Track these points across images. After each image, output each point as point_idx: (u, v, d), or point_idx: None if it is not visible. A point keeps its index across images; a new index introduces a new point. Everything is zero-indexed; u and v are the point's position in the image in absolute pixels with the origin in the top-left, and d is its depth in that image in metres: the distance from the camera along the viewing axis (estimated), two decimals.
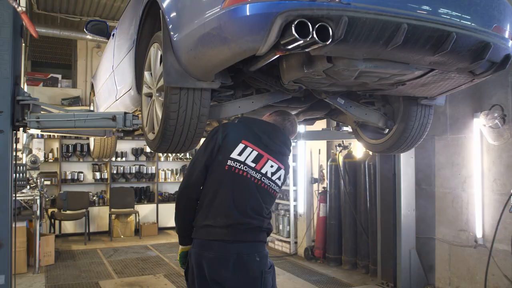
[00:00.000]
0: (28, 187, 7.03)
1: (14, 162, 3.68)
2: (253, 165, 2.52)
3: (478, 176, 4.99)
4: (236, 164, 2.50)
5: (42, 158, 9.40)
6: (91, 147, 5.87)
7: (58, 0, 8.19)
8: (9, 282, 3.59)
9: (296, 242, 7.64)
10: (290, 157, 7.46)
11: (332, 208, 6.84)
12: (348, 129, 4.23)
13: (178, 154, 11.08)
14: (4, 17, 3.45)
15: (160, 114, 2.65)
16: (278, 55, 2.15)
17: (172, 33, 2.38)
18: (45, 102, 9.19)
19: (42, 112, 3.69)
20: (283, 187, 7.86)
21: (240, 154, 2.53)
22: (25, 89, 7.61)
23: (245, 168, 2.51)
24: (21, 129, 4.20)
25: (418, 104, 3.17)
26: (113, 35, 4.26)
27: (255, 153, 2.55)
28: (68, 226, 9.47)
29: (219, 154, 2.53)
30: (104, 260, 7.33)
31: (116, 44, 3.99)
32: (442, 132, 5.42)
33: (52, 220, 8.91)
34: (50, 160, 9.61)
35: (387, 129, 3.51)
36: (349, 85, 2.74)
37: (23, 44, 7.05)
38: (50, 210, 9.00)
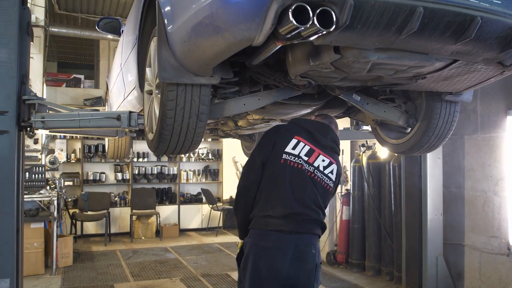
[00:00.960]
0: (48, 187, 7.02)
1: (21, 163, 3.60)
2: (306, 158, 2.66)
3: (511, 178, 4.65)
4: (291, 158, 2.64)
5: (64, 159, 9.44)
6: (106, 148, 5.79)
7: (79, 0, 8.18)
8: (16, 286, 3.50)
9: None
10: None
11: (355, 211, 6.56)
12: (368, 128, 3.97)
13: (201, 155, 10.97)
14: (10, 15, 3.36)
15: (158, 113, 2.47)
16: (278, 46, 1.94)
17: (167, 25, 2.20)
18: (68, 103, 9.27)
19: (50, 112, 3.60)
20: None
21: (294, 148, 2.67)
22: (45, 90, 7.65)
23: (300, 161, 2.64)
24: (36, 130, 4.14)
25: (442, 100, 2.90)
26: (122, 32, 4.14)
27: (307, 147, 2.70)
28: (90, 227, 9.46)
29: (274, 150, 2.67)
30: (122, 262, 7.25)
31: (123, 41, 3.85)
32: (472, 131, 5.07)
33: (74, 221, 8.90)
34: (72, 161, 9.64)
35: (409, 128, 3.25)
36: (362, 79, 2.50)
37: (44, 45, 7.05)
38: (71, 211, 9.00)
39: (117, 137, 4.96)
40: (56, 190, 6.80)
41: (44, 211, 6.41)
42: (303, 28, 1.60)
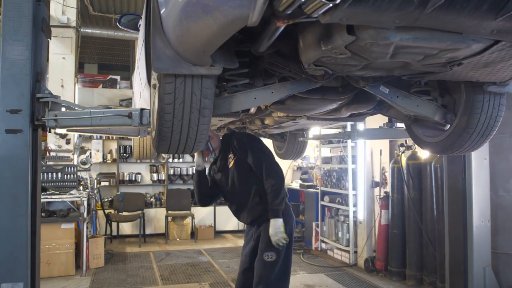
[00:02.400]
0: (81, 188, 7.02)
1: (37, 162, 3.49)
2: None
3: None
4: None
5: (100, 159, 9.49)
6: (133, 148, 5.68)
7: (111, 1, 8.18)
8: None
9: (356, 252, 6.99)
10: (350, 159, 6.85)
11: (394, 216, 6.14)
12: (403, 126, 3.61)
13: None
14: (24, 11, 3.25)
15: (156, 108, 2.25)
16: (280, 27, 1.68)
17: (160, 8, 1.97)
18: (105, 104, 9.32)
19: (65, 110, 3.48)
20: (342, 191, 7.25)
21: None
22: (77, 90, 7.69)
23: None
24: (54, 129, 4.04)
25: (485, 91, 2.52)
26: (139, 26, 3.98)
27: None
28: (126, 228, 9.45)
29: None
30: (154, 264, 7.14)
31: (139, 36, 3.69)
32: None
33: (109, 222, 8.90)
34: (108, 161, 9.68)
35: (448, 125, 2.88)
36: (387, 67, 2.17)
37: (76, 46, 7.05)
38: (107, 211, 9.02)
39: (139, 136, 4.81)
40: (87, 190, 6.78)
41: (75, 212, 6.38)
42: (303, 1, 1.33)
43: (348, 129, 6.35)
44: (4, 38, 3.23)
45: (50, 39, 3.92)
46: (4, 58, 3.24)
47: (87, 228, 6.36)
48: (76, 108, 3.51)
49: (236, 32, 1.66)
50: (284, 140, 5.96)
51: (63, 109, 3.59)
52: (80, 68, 11.46)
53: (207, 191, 3.68)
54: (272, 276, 3.34)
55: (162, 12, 1.93)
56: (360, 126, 6.67)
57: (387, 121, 4.31)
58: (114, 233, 9.18)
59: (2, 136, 3.22)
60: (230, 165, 3.57)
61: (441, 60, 1.98)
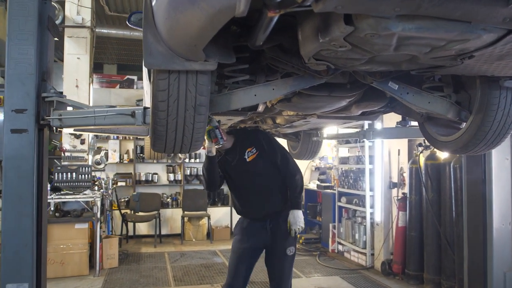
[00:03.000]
0: (96, 188, 7.02)
1: (43, 162, 3.46)
2: None
3: None
4: None
5: (117, 159, 9.51)
6: (144, 147, 5.63)
7: (127, 1, 8.18)
8: None
9: (372, 254, 6.82)
10: (367, 159, 6.68)
11: (412, 217, 5.95)
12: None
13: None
14: (29, 9, 3.21)
15: (151, 106, 2.17)
16: (273, 17, 1.58)
17: (151, 1, 1.88)
18: (122, 104, 9.34)
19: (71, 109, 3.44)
20: (359, 192, 7.09)
21: None
22: (91, 91, 7.70)
23: None
24: (61, 129, 4.01)
25: (501, 87, 2.37)
26: None
27: None
28: (142, 228, 9.45)
29: None
30: (168, 265, 7.10)
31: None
32: None
33: (125, 222, 8.90)
34: (125, 161, 9.69)
35: (463, 122, 2.73)
36: (393, 61, 2.04)
37: (91, 46, 7.06)
38: (123, 211, 9.02)
39: (148, 136, 4.75)
40: (101, 191, 6.77)
41: (88, 212, 6.38)
42: None
43: (365, 128, 6.22)
44: (9, 37, 3.20)
45: (58, 38, 3.90)
46: (10, 57, 3.21)
47: (100, 228, 6.35)
48: (81, 108, 3.47)
49: (225, 23, 1.57)
50: (299, 140, 5.85)
51: (70, 108, 3.54)
52: (99, 68, 11.54)
53: (216, 177, 3.55)
54: (291, 269, 3.57)
55: (153, 4, 1.85)
56: (378, 125, 6.53)
57: (401, 119, 4.15)
58: (131, 233, 9.18)
59: (7, 136, 3.19)
60: (250, 159, 3.48)
61: (450, 53, 1.84)
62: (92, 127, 3.46)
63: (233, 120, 3.96)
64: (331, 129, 5.55)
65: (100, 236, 6.38)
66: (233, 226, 10.05)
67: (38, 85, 3.27)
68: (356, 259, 7.21)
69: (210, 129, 3.26)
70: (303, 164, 10.70)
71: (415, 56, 1.93)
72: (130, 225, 9.12)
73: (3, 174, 3.27)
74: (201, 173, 3.49)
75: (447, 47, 1.75)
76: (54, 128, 3.50)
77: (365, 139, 5.54)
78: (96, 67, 10.18)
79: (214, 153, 3.43)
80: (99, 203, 6.19)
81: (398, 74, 2.42)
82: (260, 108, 3.54)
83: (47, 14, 3.36)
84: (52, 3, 3.60)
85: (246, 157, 3.49)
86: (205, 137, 3.26)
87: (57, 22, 6.62)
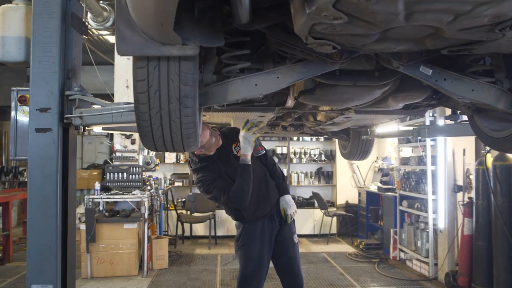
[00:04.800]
0: (148, 188, 7.03)
1: (70, 162, 3.39)
2: None
3: None
4: None
5: (174, 160, 9.54)
6: None
7: None
8: None
9: (436, 264, 6.20)
10: (429, 159, 6.10)
11: (479, 225, 5.31)
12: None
13: (313, 156, 10.28)
14: (52, 7, 3.15)
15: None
16: None
17: None
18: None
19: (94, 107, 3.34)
20: (421, 195, 6.51)
21: None
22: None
23: None
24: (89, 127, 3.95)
25: None
26: None
27: None
28: (199, 228, 9.39)
29: None
30: (218, 268, 6.94)
31: None
32: None
33: (181, 222, 8.88)
34: (181, 162, 9.70)
35: None
36: (413, 37, 1.67)
37: None
38: (179, 212, 9.02)
39: None
40: (151, 191, 6.76)
41: (137, 212, 6.36)
42: None
43: (426, 124, 5.67)
44: (34, 36, 3.16)
45: (86, 36, 3.82)
46: (34, 56, 3.17)
47: (148, 229, 6.31)
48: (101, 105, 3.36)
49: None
50: (349, 139, 5.44)
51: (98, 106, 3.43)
52: None
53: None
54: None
55: None
56: (440, 121, 5.93)
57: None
58: (188, 233, 9.16)
59: (32, 135, 3.16)
60: (239, 153, 3.25)
61: (482, 21, 1.44)
62: (112, 125, 3.34)
63: (266, 116, 3.68)
64: (389, 127, 5.08)
65: (149, 236, 6.35)
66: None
67: (62, 83, 3.20)
68: (418, 268, 6.62)
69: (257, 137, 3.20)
70: (365, 165, 10.16)
71: (438, 29, 1.55)
72: (187, 225, 9.09)
73: (28, 174, 3.23)
74: (227, 196, 3.10)
75: (476, 13, 1.36)
76: (82, 127, 3.44)
77: (425, 138, 5.01)
78: None
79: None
80: (146, 204, 6.15)
81: (430, 56, 2.01)
82: (289, 103, 3.23)
83: (70, 11, 3.28)
84: (80, 1, 3.51)
85: (235, 153, 3.30)
86: (252, 143, 3.16)
87: (108, 24, 6.69)
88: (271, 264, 3.43)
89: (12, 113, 3.42)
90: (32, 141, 3.15)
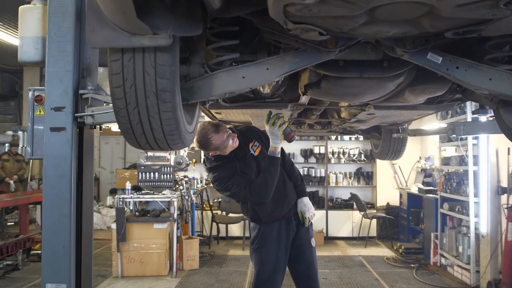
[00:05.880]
0: (181, 187, 7.02)
1: (86, 161, 3.38)
2: None
3: None
4: None
5: None
6: None
7: None
8: None
9: (478, 271, 5.79)
10: (470, 160, 5.73)
11: None
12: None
13: (352, 156, 9.95)
14: (67, 5, 3.15)
15: None
16: None
17: None
18: None
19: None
20: (462, 197, 6.12)
21: None
22: None
23: None
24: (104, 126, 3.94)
25: None
26: None
27: None
28: (234, 229, 9.30)
29: None
30: (249, 269, 6.80)
31: None
32: None
33: (216, 223, 8.84)
34: None
35: None
36: (406, 17, 1.47)
37: None
38: (215, 212, 8.97)
39: None
40: (182, 191, 6.74)
41: (167, 212, 6.35)
42: None
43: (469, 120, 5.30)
44: (49, 35, 3.17)
45: None
46: (50, 55, 3.19)
47: (178, 229, 6.28)
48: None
49: None
50: (380, 137, 5.18)
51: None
52: None
53: None
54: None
55: None
56: (483, 118, 5.53)
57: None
58: (223, 234, 9.11)
59: (47, 134, 3.17)
60: (257, 152, 3.11)
61: None
62: None
63: (283, 113, 3.52)
64: (428, 124, 4.81)
65: (178, 237, 6.31)
66: (329, 230, 9.52)
67: (77, 82, 3.19)
68: (459, 275, 6.22)
69: (286, 126, 2.89)
70: (407, 166, 9.72)
71: (433, 7, 1.35)
72: (223, 226, 9.03)
73: (44, 173, 3.24)
74: (253, 187, 2.94)
75: None
76: (98, 126, 3.41)
77: (460, 136, 4.67)
78: None
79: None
80: (175, 204, 6.13)
81: (438, 42, 1.79)
82: (303, 99, 3.07)
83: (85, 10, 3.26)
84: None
85: (252, 152, 3.10)
86: (281, 136, 2.89)
87: None
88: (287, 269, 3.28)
89: (29, 113, 3.44)
90: (47, 140, 3.16)
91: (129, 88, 1.68)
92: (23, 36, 3.58)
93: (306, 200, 3.26)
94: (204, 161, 3.22)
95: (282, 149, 3.21)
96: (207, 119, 4.15)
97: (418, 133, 4.61)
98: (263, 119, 3.26)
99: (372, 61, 2.11)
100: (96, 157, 14.30)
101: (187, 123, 2.05)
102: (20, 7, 3.54)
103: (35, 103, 3.45)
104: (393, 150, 4.92)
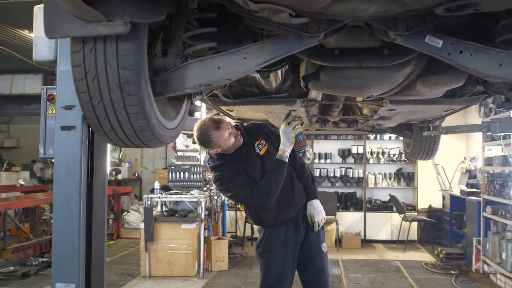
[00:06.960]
0: (212, 188, 6.95)
1: (97, 160, 3.35)
2: None
3: None
4: None
5: None
6: None
7: None
8: None
9: None
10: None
11: None
12: None
13: (392, 156, 9.55)
14: None
15: None
16: None
17: None
18: None
19: None
20: (505, 200, 5.70)
21: None
22: None
23: None
24: None
25: None
26: None
27: None
28: None
29: None
30: None
31: None
32: None
33: (249, 224, 8.71)
34: None
35: None
36: None
37: None
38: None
39: None
40: (211, 191, 6.66)
41: (194, 212, 6.29)
42: None
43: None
44: None
45: None
46: (61, 53, 3.16)
47: (205, 229, 6.21)
48: None
49: None
50: (411, 136, 4.89)
51: None
52: None
53: None
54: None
55: None
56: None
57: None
58: (257, 235, 8.97)
59: (58, 133, 3.15)
60: (263, 151, 2.92)
61: None
62: None
63: (296, 110, 3.35)
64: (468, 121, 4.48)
65: (205, 237, 6.24)
66: (367, 233, 9.18)
67: None
68: (502, 284, 5.78)
69: (299, 132, 2.74)
70: (451, 166, 9.22)
71: None
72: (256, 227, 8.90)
73: (54, 172, 3.23)
74: (257, 191, 2.77)
75: None
76: None
77: (496, 133, 4.32)
78: None
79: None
80: (203, 204, 6.06)
81: (438, 22, 1.58)
82: (313, 94, 2.89)
83: None
84: None
85: (258, 151, 2.91)
86: (292, 140, 2.73)
87: None
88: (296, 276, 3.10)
89: (42, 111, 3.45)
90: (58, 139, 3.14)
91: (92, 80, 1.59)
92: (37, 35, 3.59)
93: (316, 203, 3.06)
94: (207, 159, 3.10)
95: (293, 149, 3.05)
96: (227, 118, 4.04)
97: (450, 131, 4.28)
98: (278, 116, 3.11)
99: (371, 49, 1.92)
100: (139, 158, 14.67)
101: (170, 118, 1.93)
102: (35, 7, 3.54)
103: (48, 102, 3.45)
104: (425, 149, 4.62)
